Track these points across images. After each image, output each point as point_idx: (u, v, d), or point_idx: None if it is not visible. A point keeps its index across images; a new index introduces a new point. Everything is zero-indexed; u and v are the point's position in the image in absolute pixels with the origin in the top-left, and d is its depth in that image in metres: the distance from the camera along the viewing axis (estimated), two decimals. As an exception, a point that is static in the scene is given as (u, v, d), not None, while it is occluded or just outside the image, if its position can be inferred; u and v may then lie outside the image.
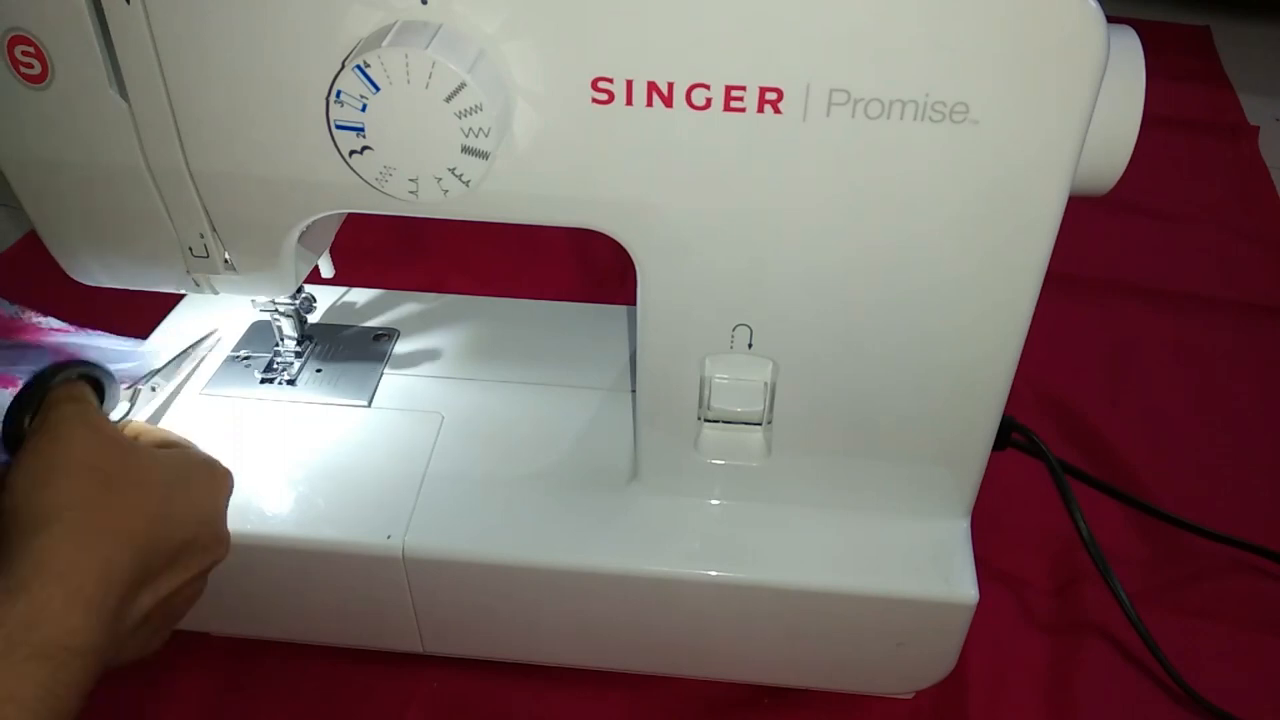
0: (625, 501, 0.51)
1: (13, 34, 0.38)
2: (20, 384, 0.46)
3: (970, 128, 0.36)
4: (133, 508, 0.38)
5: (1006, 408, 0.46)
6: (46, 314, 0.69)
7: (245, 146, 0.40)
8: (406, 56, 0.34)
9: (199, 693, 0.55)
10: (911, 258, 0.41)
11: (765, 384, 0.47)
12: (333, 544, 0.49)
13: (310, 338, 0.59)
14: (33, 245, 0.81)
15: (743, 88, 0.36)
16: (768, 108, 0.37)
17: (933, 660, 0.51)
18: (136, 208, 0.43)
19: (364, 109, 0.35)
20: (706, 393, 0.48)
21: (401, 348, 0.59)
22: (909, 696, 0.55)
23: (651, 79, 0.36)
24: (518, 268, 0.84)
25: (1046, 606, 0.61)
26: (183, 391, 0.56)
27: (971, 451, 0.48)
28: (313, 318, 0.61)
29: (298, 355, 0.57)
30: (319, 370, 0.57)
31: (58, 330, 0.64)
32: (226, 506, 0.43)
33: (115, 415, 0.47)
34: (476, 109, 0.35)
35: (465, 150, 0.36)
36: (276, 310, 0.56)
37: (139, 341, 0.60)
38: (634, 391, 0.52)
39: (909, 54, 0.35)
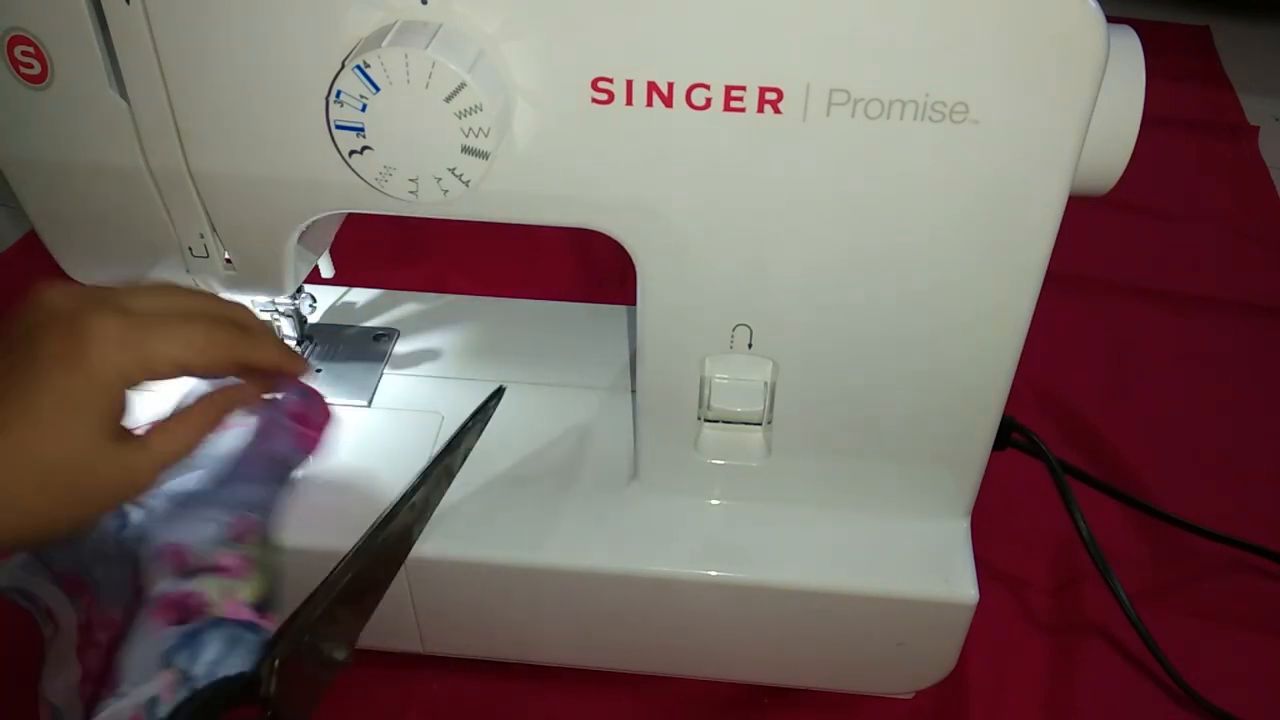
0: (625, 501, 0.51)
1: (13, 34, 0.38)
2: None
3: (970, 128, 0.36)
4: None
5: (1006, 408, 0.46)
6: None
7: (245, 146, 0.40)
8: (406, 56, 0.34)
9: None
10: (911, 258, 0.41)
11: (765, 384, 0.47)
12: (332, 544, 0.49)
13: (310, 338, 0.59)
14: (33, 245, 0.81)
15: (743, 88, 0.36)
16: (768, 108, 0.37)
17: (933, 660, 0.51)
18: (136, 208, 0.43)
19: (364, 109, 0.35)
20: (706, 393, 0.48)
21: (401, 348, 0.59)
22: (909, 696, 0.55)
23: (651, 79, 0.36)
24: (518, 268, 0.84)
25: (1046, 606, 0.61)
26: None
27: (971, 451, 0.48)
28: (313, 318, 0.61)
29: (298, 355, 0.57)
30: (319, 370, 0.57)
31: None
32: None
33: None
34: (476, 109, 0.35)
35: (465, 150, 0.36)
36: (276, 310, 0.56)
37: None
38: (634, 391, 0.52)
39: (909, 54, 0.35)
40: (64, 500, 0.36)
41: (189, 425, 0.39)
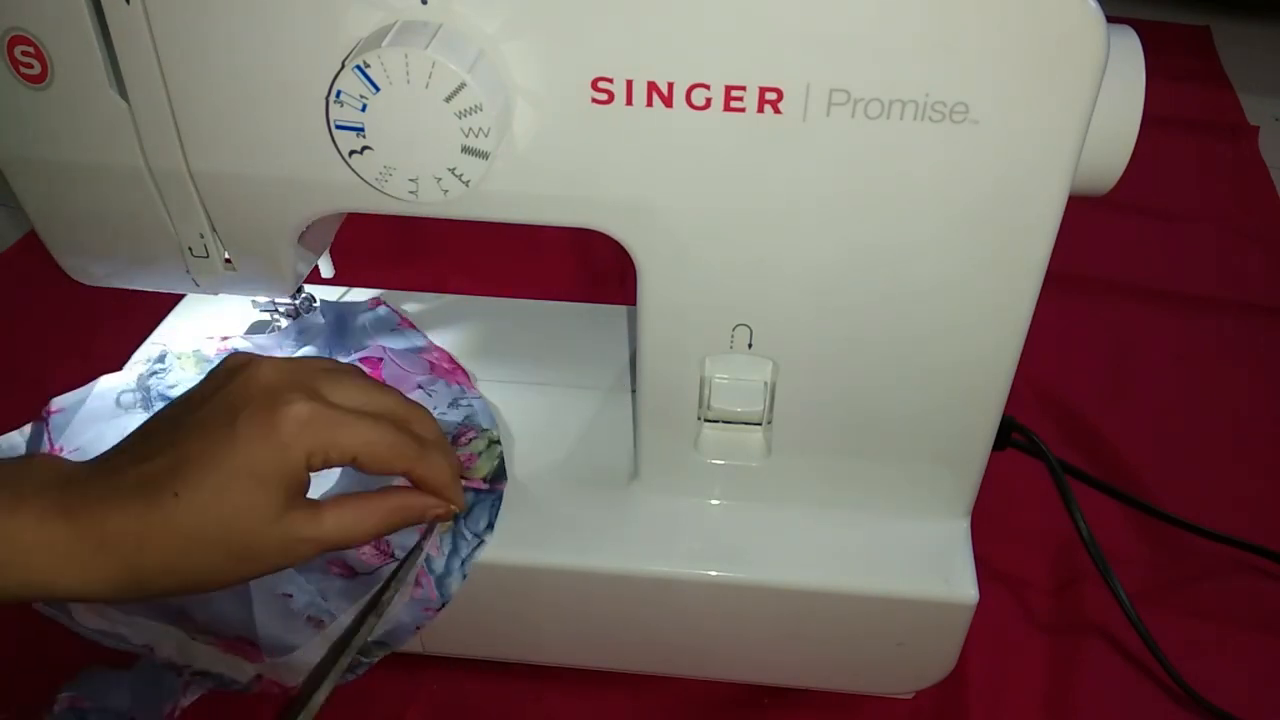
0: (625, 501, 0.51)
1: (13, 34, 0.38)
2: None
3: (970, 128, 0.36)
4: None
5: (1006, 408, 0.46)
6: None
7: (245, 146, 0.40)
8: (406, 56, 0.34)
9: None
10: (911, 258, 0.41)
11: (765, 384, 0.47)
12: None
13: (310, 337, 0.59)
14: (33, 245, 0.81)
15: (743, 88, 0.36)
16: (768, 108, 0.37)
17: (933, 660, 0.51)
18: (136, 208, 0.43)
19: (364, 109, 0.35)
20: (706, 393, 0.48)
21: (401, 348, 0.59)
22: (909, 696, 0.55)
23: (651, 79, 0.36)
24: (518, 268, 0.84)
25: (1046, 606, 0.61)
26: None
27: (971, 451, 0.48)
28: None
29: (298, 355, 0.57)
30: None
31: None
32: None
33: None
34: (476, 109, 0.35)
35: (465, 150, 0.36)
36: (276, 310, 0.56)
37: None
38: (634, 391, 0.52)
39: (909, 54, 0.35)
40: (226, 560, 0.38)
41: (363, 514, 0.41)
